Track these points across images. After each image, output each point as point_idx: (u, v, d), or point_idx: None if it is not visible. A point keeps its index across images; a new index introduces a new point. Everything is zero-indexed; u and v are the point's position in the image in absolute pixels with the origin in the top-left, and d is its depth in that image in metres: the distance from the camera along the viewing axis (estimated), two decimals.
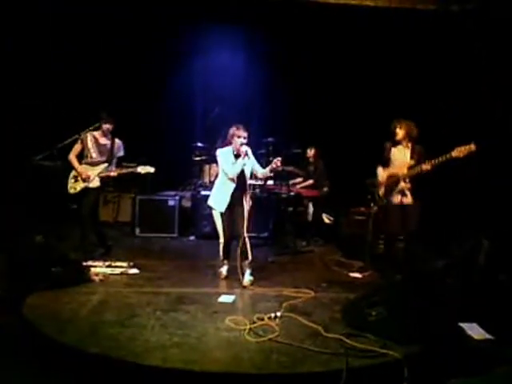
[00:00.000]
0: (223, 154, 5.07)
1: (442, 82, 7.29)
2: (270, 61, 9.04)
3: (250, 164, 5.06)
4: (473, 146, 4.72)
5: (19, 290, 4.35)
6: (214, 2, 7.42)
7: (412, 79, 7.62)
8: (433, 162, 4.96)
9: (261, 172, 5.14)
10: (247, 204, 5.08)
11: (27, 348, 3.63)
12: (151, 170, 5.89)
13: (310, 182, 7.84)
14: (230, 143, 5.07)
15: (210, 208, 5.34)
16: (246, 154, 4.94)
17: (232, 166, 4.99)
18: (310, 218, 7.72)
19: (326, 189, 7.79)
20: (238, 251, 4.98)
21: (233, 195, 5.06)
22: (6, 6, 6.67)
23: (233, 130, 5.02)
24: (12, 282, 4.47)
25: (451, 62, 7.14)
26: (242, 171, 5.02)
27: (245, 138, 4.98)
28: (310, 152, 7.97)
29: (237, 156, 5.02)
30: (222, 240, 5.26)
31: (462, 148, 4.75)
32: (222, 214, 5.14)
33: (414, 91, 7.53)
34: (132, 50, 8.55)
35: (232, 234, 5.13)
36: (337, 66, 8.57)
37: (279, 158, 4.83)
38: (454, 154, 4.78)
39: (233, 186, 5.05)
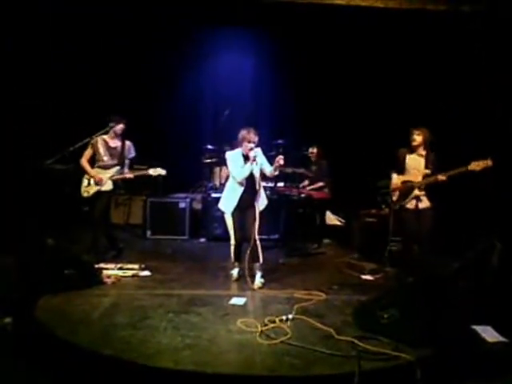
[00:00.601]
0: (232, 157, 5.07)
1: (449, 84, 7.25)
2: (279, 62, 9.05)
3: (258, 168, 5.04)
4: (489, 162, 4.87)
5: (32, 291, 4.39)
6: (223, 5, 7.43)
7: (420, 81, 7.59)
8: (449, 173, 5.10)
9: (268, 170, 5.09)
10: (259, 207, 5.09)
11: (40, 349, 3.66)
12: (163, 172, 5.91)
13: (320, 184, 7.78)
14: (240, 146, 5.08)
15: (222, 211, 5.36)
16: (254, 160, 4.92)
17: (240, 170, 5.00)
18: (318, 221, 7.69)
19: (325, 190, 7.75)
20: (247, 254, 4.98)
21: (243, 198, 5.06)
22: (6, 5, 6.70)
23: (243, 134, 5.00)
24: (25, 284, 4.51)
25: (461, 64, 7.09)
26: (252, 175, 5.01)
27: (254, 142, 4.95)
28: (313, 150, 7.91)
29: (246, 159, 5.02)
30: (233, 242, 5.27)
31: (480, 162, 4.90)
32: (233, 216, 5.15)
33: (423, 93, 7.51)
34: (141, 52, 8.59)
35: (243, 237, 5.12)
36: (346, 68, 8.54)
37: (281, 157, 4.83)
38: (471, 167, 4.95)
39: (241, 189, 5.06)
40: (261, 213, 5.11)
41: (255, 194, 5.09)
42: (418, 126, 5.50)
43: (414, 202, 5.41)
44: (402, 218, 5.59)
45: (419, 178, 5.39)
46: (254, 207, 5.05)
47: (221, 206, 5.27)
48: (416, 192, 5.39)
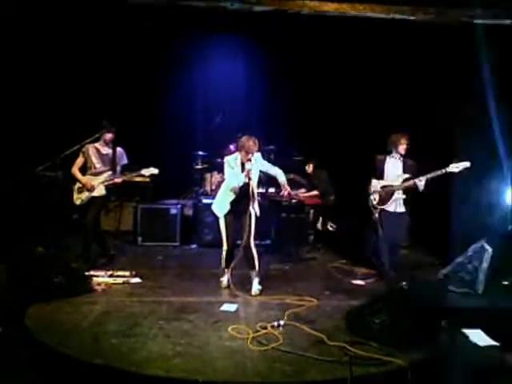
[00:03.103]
0: (229, 162, 5.01)
1: (434, 92, 7.31)
2: (270, 69, 9.08)
3: (255, 177, 4.97)
4: (468, 163, 5.05)
5: (22, 300, 4.35)
6: (214, 13, 7.44)
7: (404, 88, 7.68)
8: (426, 176, 5.27)
9: (280, 179, 5.16)
10: (255, 212, 5.05)
11: (29, 358, 3.62)
12: (155, 171, 5.89)
13: (315, 192, 7.76)
14: (240, 152, 5.00)
15: (214, 216, 5.31)
16: (248, 173, 4.84)
17: (234, 178, 4.93)
18: (310, 225, 7.69)
19: (332, 197, 7.73)
20: (237, 260, 4.99)
21: (237, 202, 5.00)
22: (6, 7, 6.66)
23: (242, 141, 4.93)
24: (14, 293, 4.46)
25: (448, 73, 7.14)
26: (247, 183, 4.93)
27: (252, 153, 4.88)
28: (309, 168, 7.90)
29: (243, 165, 4.95)
30: (225, 247, 5.20)
31: (458, 164, 5.07)
32: (225, 220, 5.09)
33: (407, 100, 7.59)
34: (133, 58, 8.57)
35: (235, 243, 5.10)
36: (336, 74, 8.59)
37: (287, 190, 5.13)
38: (449, 169, 5.10)
39: (234, 194, 5.03)
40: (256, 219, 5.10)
41: (250, 201, 4.99)
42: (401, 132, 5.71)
43: (393, 205, 5.59)
44: (382, 221, 5.73)
45: (399, 182, 5.57)
46: (248, 213, 4.98)
47: (213, 208, 5.21)
48: (396, 195, 5.56)
